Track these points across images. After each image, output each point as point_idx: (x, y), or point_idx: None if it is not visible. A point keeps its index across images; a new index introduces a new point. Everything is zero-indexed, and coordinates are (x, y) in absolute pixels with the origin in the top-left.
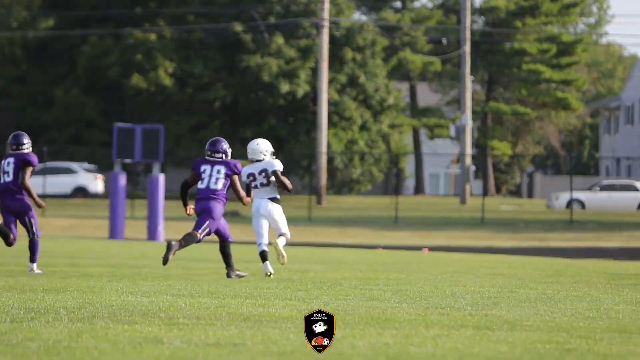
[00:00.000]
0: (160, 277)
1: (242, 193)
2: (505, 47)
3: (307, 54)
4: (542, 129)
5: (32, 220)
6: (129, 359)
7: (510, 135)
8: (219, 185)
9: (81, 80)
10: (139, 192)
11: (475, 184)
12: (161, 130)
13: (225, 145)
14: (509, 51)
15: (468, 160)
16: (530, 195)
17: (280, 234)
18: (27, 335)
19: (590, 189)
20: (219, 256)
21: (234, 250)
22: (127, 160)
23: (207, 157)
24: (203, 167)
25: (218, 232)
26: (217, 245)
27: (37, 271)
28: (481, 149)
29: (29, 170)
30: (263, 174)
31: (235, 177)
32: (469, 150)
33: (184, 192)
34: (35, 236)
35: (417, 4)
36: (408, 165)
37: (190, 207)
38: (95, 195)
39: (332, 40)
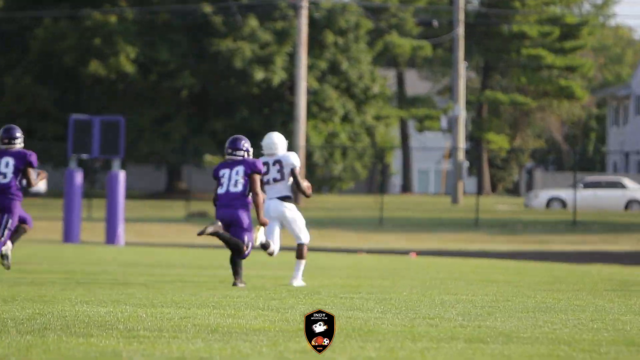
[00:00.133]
0: (119, 284)
1: (258, 189)
2: (503, 29)
3: (283, 38)
4: (543, 121)
5: (10, 222)
6: None
7: (507, 128)
8: (239, 187)
9: (34, 67)
10: (96, 190)
11: (469, 182)
12: (122, 122)
13: (247, 143)
14: (507, 34)
15: (461, 155)
16: None
17: (300, 244)
18: None
19: (572, 186)
20: (185, 261)
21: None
22: (84, 156)
23: (226, 157)
24: (222, 172)
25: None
26: (180, 250)
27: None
28: (476, 142)
29: (32, 171)
30: (277, 165)
31: (256, 177)
32: (462, 144)
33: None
34: (2, 238)
35: None
36: (395, 160)
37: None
38: (36, 194)
39: (312, 22)
